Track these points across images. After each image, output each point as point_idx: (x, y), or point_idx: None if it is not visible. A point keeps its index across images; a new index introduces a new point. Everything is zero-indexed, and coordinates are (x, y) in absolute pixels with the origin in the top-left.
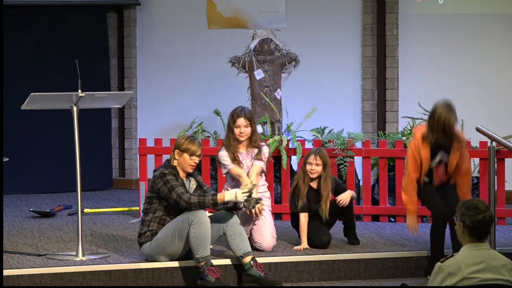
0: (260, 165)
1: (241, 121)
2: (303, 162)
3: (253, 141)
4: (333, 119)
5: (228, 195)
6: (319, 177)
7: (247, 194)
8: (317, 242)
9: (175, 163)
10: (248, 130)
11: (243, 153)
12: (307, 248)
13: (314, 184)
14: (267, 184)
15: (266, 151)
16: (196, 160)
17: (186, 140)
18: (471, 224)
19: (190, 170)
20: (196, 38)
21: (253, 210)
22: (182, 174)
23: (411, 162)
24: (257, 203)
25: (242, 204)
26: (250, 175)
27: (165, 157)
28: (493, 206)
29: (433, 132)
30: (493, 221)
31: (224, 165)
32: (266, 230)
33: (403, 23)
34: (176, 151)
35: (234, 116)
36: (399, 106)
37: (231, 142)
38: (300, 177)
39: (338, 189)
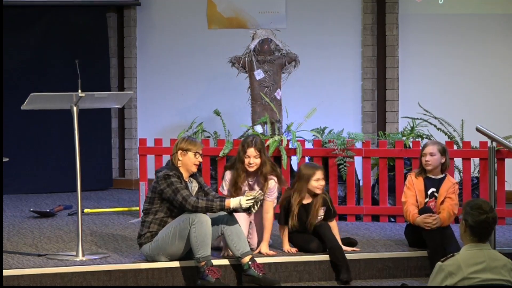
0: (272, 200)
1: (251, 151)
2: (305, 179)
3: (263, 173)
4: (333, 119)
5: (234, 202)
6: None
7: (252, 201)
8: (307, 250)
9: (179, 164)
10: (258, 161)
11: (252, 180)
12: (294, 251)
13: (306, 201)
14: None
15: (272, 185)
16: (200, 158)
17: (187, 140)
18: (473, 223)
19: (195, 169)
20: (196, 38)
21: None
22: (185, 176)
23: (406, 193)
24: (257, 204)
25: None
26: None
27: (165, 157)
28: (493, 206)
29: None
30: (496, 223)
31: (222, 186)
32: (255, 228)
33: (403, 23)
34: (179, 151)
35: (244, 145)
36: (399, 106)
37: (240, 173)
38: (296, 197)
39: (327, 212)
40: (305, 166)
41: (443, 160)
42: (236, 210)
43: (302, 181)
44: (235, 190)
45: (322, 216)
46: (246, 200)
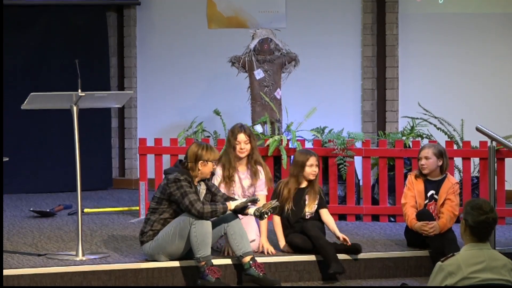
0: (265, 194)
1: (242, 136)
2: (300, 165)
3: (254, 159)
4: (333, 119)
5: (233, 204)
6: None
7: (268, 208)
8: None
9: (198, 173)
10: (248, 146)
11: (243, 173)
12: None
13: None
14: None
15: (262, 177)
16: (214, 165)
17: (208, 150)
18: (473, 223)
19: (209, 176)
20: (196, 38)
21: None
22: (195, 181)
23: (406, 193)
24: (272, 211)
25: (254, 214)
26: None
27: (165, 157)
28: (493, 206)
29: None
30: (496, 223)
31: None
32: (250, 231)
33: (403, 23)
34: (200, 162)
35: (234, 131)
36: (399, 106)
37: (230, 158)
38: (293, 182)
39: (320, 200)
40: (299, 152)
41: (440, 163)
42: (240, 211)
43: (297, 167)
44: (229, 178)
45: (317, 206)
46: (264, 208)
